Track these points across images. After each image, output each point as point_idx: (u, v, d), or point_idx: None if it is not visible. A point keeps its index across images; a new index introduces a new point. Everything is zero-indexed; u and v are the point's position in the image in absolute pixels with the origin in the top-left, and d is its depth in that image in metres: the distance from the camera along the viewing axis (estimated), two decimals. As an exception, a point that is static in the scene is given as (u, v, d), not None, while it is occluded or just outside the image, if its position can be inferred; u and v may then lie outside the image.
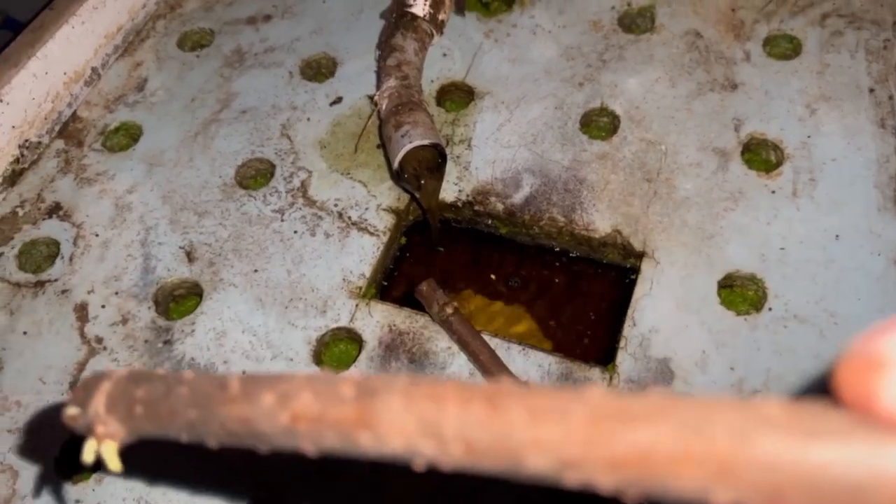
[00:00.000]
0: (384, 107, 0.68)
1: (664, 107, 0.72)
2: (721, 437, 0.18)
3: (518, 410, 0.20)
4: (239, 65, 0.80)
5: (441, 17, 0.75)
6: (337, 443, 0.23)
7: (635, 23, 0.79)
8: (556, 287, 0.67)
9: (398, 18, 0.74)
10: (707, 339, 0.59)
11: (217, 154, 0.73)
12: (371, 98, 0.74)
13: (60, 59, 0.76)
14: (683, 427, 0.19)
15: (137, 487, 0.55)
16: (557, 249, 0.68)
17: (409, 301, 0.62)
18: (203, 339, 0.62)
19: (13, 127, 0.72)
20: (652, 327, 0.59)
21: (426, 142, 0.64)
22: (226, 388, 0.26)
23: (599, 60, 0.76)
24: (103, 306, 0.64)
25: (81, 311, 0.64)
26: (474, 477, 0.22)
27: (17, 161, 0.73)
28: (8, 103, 0.72)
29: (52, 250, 0.68)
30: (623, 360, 0.58)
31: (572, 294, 0.67)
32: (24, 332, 0.63)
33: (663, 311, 0.60)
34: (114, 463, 0.29)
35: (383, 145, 0.70)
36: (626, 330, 0.59)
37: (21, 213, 0.71)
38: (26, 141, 0.73)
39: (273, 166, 0.72)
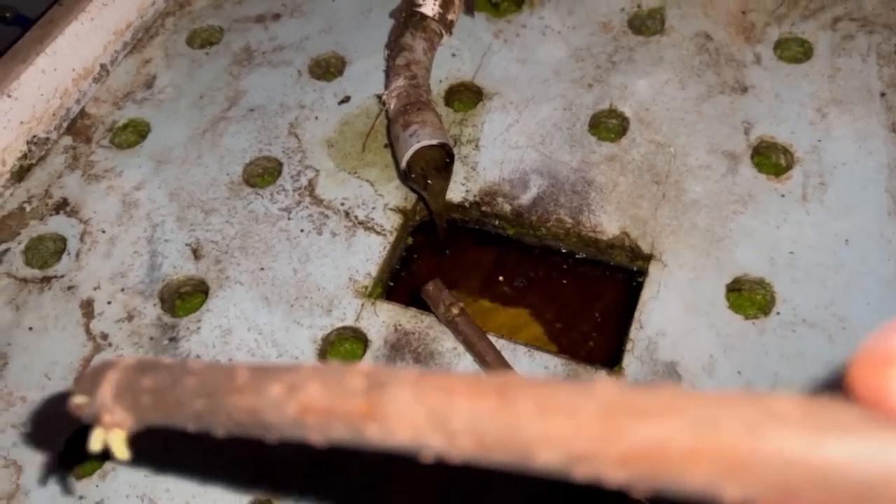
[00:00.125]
0: (392, 106, 0.68)
1: (674, 109, 0.72)
2: (732, 433, 0.18)
3: (528, 403, 0.20)
4: (248, 63, 0.80)
5: (450, 17, 0.75)
6: (345, 434, 0.23)
7: (645, 24, 0.79)
8: (562, 289, 0.67)
9: (407, 18, 0.74)
10: (715, 342, 0.58)
11: (225, 152, 0.73)
12: (379, 97, 0.74)
13: (69, 56, 0.76)
14: (694, 422, 0.18)
15: (141, 483, 0.55)
16: (564, 251, 0.68)
17: (415, 301, 0.62)
18: (209, 337, 0.62)
19: (21, 123, 0.72)
20: (659, 330, 0.59)
21: (434, 141, 0.64)
22: (233, 379, 0.25)
23: (609, 62, 0.76)
24: (109, 302, 0.64)
25: (87, 308, 0.64)
26: (484, 470, 0.21)
27: (24, 157, 0.73)
28: (16, 99, 0.72)
29: (58, 246, 0.68)
30: (630, 362, 0.58)
31: (579, 296, 0.66)
32: (30, 328, 0.63)
33: (671, 314, 0.60)
34: (121, 452, 0.29)
35: (391, 144, 0.70)
36: (633, 333, 0.59)
37: (28, 208, 0.71)
38: (34, 137, 0.74)
39: (280, 164, 0.72)
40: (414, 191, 0.68)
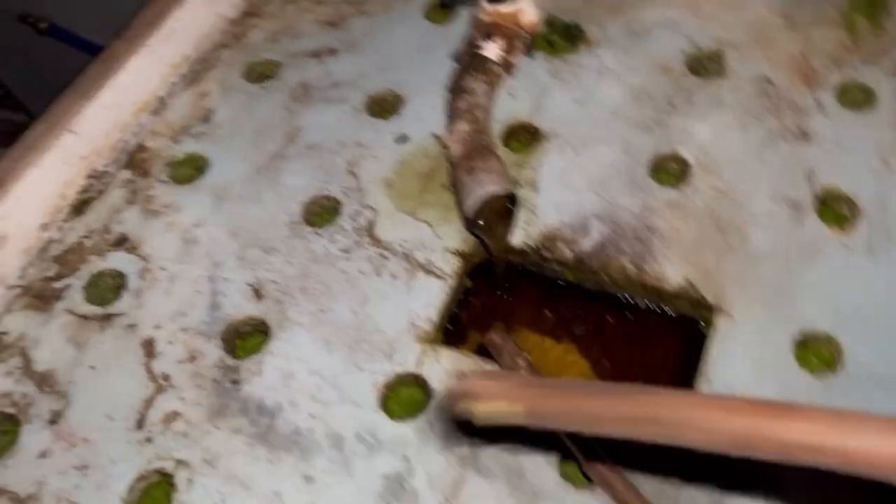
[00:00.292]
0: (455, 151, 0.68)
1: (735, 153, 0.71)
2: None
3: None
4: (304, 98, 0.80)
5: (512, 59, 0.74)
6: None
7: (703, 66, 0.79)
8: (624, 338, 0.66)
9: (470, 60, 0.73)
10: (782, 399, 0.57)
11: (283, 189, 0.73)
12: (438, 138, 0.74)
13: (129, 89, 0.77)
14: None
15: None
16: (626, 299, 0.67)
17: (471, 341, 0.62)
18: (271, 380, 0.62)
19: (81, 157, 0.73)
20: (727, 384, 0.58)
21: (500, 191, 0.64)
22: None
23: (668, 104, 0.76)
24: (170, 342, 0.64)
25: (148, 347, 0.64)
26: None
27: (84, 191, 0.73)
28: (77, 134, 0.72)
29: (118, 282, 0.69)
30: (697, 418, 0.57)
31: (641, 346, 0.66)
32: (92, 367, 0.64)
33: (739, 369, 0.59)
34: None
35: (454, 188, 0.70)
36: (701, 386, 0.59)
37: (88, 243, 0.71)
38: (94, 170, 0.74)
39: (339, 204, 0.72)
40: (475, 235, 0.68)
